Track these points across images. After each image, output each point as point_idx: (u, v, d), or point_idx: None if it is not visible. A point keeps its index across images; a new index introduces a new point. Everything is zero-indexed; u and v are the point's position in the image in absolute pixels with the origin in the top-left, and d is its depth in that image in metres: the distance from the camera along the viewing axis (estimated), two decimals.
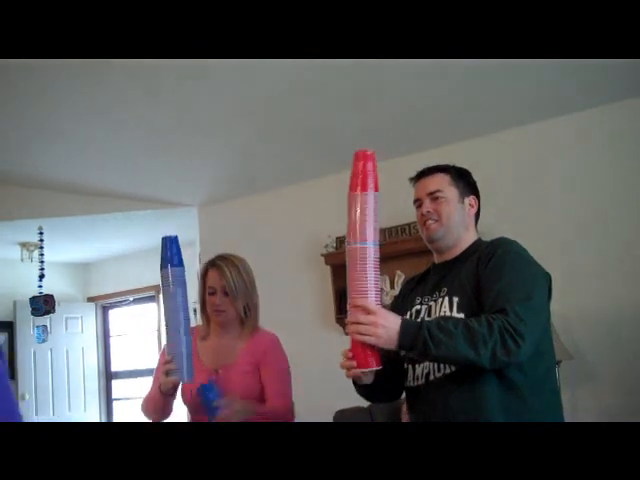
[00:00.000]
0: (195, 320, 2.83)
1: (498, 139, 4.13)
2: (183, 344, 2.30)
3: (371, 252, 1.78)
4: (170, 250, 2.34)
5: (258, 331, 2.56)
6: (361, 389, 2.05)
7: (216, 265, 2.52)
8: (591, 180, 3.87)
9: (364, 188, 1.77)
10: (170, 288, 2.31)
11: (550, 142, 4.00)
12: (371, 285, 1.78)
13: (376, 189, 1.79)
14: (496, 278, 1.87)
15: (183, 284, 2.32)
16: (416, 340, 1.76)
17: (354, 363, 1.84)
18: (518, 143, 4.10)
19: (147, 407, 2.51)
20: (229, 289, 2.49)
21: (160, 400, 2.41)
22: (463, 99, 3.67)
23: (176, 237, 2.38)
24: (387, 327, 1.76)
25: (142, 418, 2.57)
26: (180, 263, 2.34)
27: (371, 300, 1.77)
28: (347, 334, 1.84)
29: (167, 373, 2.32)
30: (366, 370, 1.88)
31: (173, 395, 2.41)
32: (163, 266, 2.33)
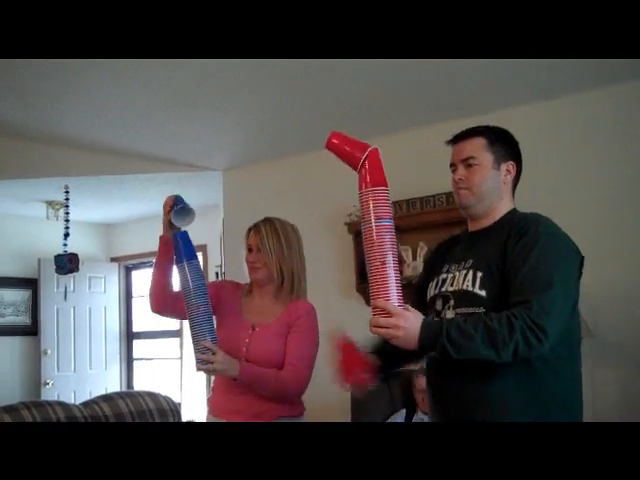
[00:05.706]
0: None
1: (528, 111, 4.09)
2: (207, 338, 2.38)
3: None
4: (183, 245, 2.44)
5: (299, 299, 2.61)
6: None
7: (256, 225, 2.62)
8: (624, 155, 3.79)
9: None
10: (187, 282, 2.40)
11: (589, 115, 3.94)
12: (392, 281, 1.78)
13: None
14: (522, 261, 1.83)
15: (199, 276, 2.40)
16: (436, 344, 1.77)
17: (346, 378, 1.92)
18: (554, 115, 4.05)
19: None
20: (262, 246, 2.55)
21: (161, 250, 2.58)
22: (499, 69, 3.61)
23: (186, 232, 2.48)
24: (407, 329, 1.75)
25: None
26: (194, 256, 2.43)
27: (392, 296, 1.76)
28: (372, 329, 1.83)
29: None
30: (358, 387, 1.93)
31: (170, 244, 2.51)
32: (178, 261, 2.43)
